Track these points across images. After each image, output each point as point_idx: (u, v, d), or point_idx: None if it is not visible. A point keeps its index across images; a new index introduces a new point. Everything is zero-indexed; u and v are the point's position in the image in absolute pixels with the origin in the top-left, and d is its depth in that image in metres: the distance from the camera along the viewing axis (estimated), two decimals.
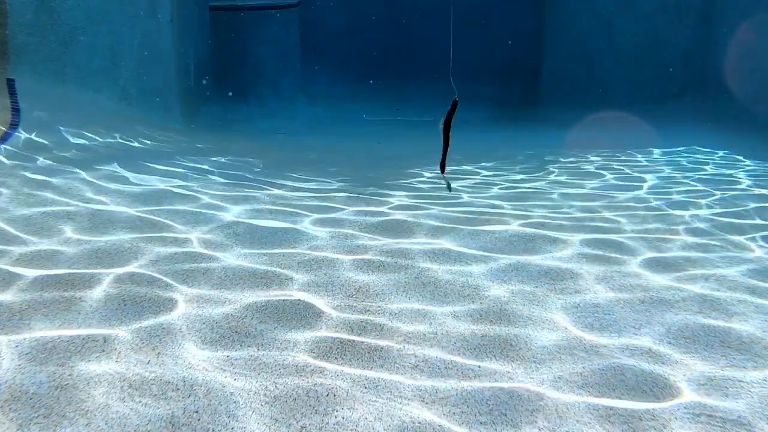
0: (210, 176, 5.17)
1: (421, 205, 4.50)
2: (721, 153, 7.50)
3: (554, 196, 5.04)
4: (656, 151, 7.75)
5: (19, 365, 2.02)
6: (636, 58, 10.36)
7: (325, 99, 11.92)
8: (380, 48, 12.52)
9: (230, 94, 10.07)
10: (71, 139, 5.39)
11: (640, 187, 5.46)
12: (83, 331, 2.28)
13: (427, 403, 1.90)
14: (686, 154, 7.51)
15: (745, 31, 8.64)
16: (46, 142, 5.06)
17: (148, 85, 7.74)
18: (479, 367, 2.14)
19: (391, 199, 4.64)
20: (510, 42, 11.44)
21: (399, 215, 4.11)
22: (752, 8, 8.69)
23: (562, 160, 7.16)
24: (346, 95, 12.11)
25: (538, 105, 11.33)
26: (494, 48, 11.94)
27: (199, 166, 5.61)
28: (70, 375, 1.97)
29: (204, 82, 10.02)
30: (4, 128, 4.93)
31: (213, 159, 6.14)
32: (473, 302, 2.70)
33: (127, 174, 4.77)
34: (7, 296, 2.56)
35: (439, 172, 3.42)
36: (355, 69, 12.37)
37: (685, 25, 10.03)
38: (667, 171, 6.34)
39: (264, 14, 11.29)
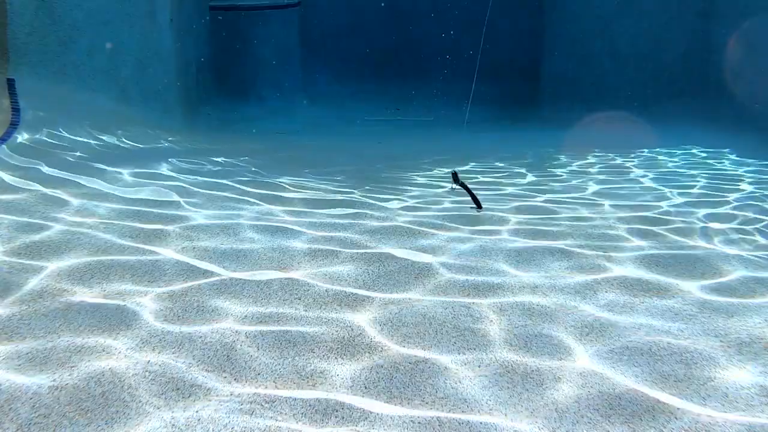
0: (209, 177, 5.16)
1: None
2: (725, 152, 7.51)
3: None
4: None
5: None
6: (636, 58, 10.35)
7: (325, 99, 11.91)
8: (380, 48, 12.51)
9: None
10: (70, 139, 5.38)
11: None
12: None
13: None
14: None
15: (744, 30, 8.63)
16: (45, 143, 5.06)
17: (148, 85, 7.72)
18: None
19: (390, 202, 4.64)
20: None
21: (400, 218, 4.12)
22: (752, 8, 8.68)
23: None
24: (346, 95, 12.10)
25: (538, 105, 11.32)
26: (494, 48, 11.93)
27: (198, 167, 5.61)
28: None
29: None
30: (3, 128, 4.93)
31: (212, 159, 6.13)
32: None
33: (126, 174, 4.77)
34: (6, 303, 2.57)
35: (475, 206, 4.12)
36: (355, 69, 12.36)
37: (685, 25, 10.01)
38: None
39: (264, 14, 11.29)
